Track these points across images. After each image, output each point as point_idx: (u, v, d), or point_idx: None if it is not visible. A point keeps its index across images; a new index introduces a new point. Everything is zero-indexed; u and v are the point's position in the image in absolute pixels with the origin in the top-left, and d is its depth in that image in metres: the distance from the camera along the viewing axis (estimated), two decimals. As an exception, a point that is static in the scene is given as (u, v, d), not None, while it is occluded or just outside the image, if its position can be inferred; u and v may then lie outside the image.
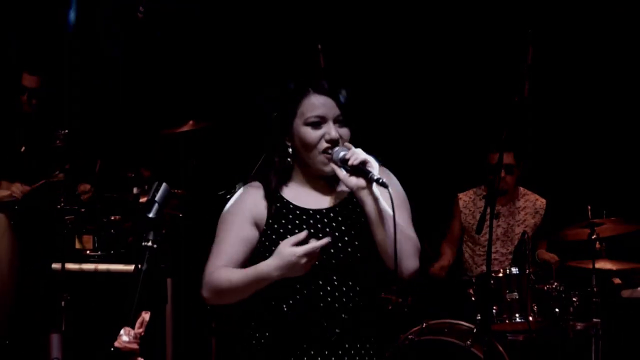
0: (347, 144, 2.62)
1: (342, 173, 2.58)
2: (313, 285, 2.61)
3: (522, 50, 4.18)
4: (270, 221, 2.67)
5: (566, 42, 5.73)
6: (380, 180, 2.51)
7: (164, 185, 2.56)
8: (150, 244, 2.49)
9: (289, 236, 2.61)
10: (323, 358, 2.62)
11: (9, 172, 5.08)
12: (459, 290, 5.13)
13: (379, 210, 2.56)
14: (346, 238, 2.64)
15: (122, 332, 2.36)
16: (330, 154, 2.61)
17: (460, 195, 5.59)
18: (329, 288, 2.62)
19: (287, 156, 2.69)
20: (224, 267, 2.64)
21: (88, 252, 4.93)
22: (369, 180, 2.54)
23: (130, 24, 5.56)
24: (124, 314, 2.38)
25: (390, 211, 2.53)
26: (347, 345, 2.63)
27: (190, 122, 5.21)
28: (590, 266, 4.73)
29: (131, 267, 4.66)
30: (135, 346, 2.36)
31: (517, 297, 4.64)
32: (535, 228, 5.41)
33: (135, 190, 4.77)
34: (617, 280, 5.00)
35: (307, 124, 2.63)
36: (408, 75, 5.95)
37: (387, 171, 2.72)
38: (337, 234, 2.64)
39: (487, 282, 4.56)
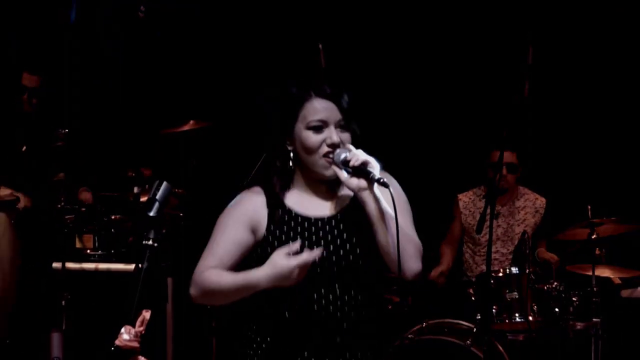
0: (348, 145, 2.62)
1: (343, 175, 2.58)
2: (315, 293, 2.61)
3: (522, 51, 4.19)
4: (272, 228, 2.67)
5: (566, 42, 5.73)
6: (382, 180, 2.51)
7: (164, 183, 2.56)
8: (151, 242, 2.49)
9: (291, 243, 2.61)
10: None
11: (9, 172, 5.07)
12: (459, 290, 5.13)
13: (381, 211, 2.56)
14: (348, 246, 2.64)
15: (122, 330, 2.36)
16: (331, 158, 2.61)
17: (460, 196, 5.60)
18: (331, 297, 2.62)
19: (288, 160, 2.69)
20: (215, 269, 2.64)
21: (88, 251, 4.93)
22: (370, 180, 2.54)
23: (130, 24, 5.56)
24: (125, 313, 2.39)
25: (392, 212, 2.54)
26: (348, 354, 2.63)
27: (191, 121, 5.21)
28: (590, 272, 4.74)
29: (131, 267, 4.66)
30: (135, 344, 2.37)
31: (517, 296, 4.64)
32: (535, 227, 5.42)
33: (135, 189, 4.77)
34: (616, 280, 5.00)
35: (308, 128, 2.63)
36: (408, 76, 5.95)
37: (388, 175, 2.71)
38: (338, 242, 2.64)
39: (487, 281, 4.57)
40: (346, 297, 2.63)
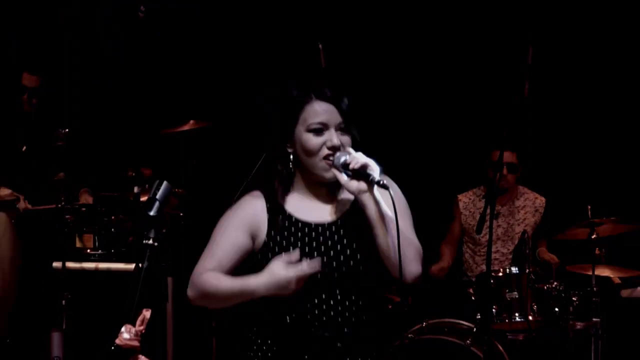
0: (348, 148, 2.62)
1: (343, 178, 2.58)
2: (316, 298, 2.62)
3: (522, 51, 4.19)
4: (272, 233, 2.68)
5: (566, 42, 5.74)
6: (381, 182, 2.52)
7: (165, 183, 2.56)
8: (151, 241, 2.49)
9: (291, 248, 2.62)
10: None
11: (9, 172, 5.07)
12: (459, 290, 5.13)
13: (381, 214, 2.57)
14: (348, 252, 2.65)
15: (123, 329, 2.37)
16: (331, 160, 2.61)
17: (460, 196, 5.60)
18: (331, 302, 2.62)
19: (289, 163, 2.69)
20: (213, 272, 2.64)
21: (89, 251, 4.92)
22: (370, 182, 2.54)
23: (130, 24, 5.56)
24: (125, 312, 2.39)
25: (392, 215, 2.54)
26: (348, 358, 2.63)
27: (191, 121, 5.21)
28: (590, 272, 4.74)
29: (132, 266, 4.67)
30: (136, 343, 2.37)
31: (517, 296, 4.64)
32: (535, 227, 5.42)
33: (135, 189, 4.76)
34: (616, 280, 5.00)
35: (309, 130, 2.64)
36: (408, 76, 5.95)
37: (388, 178, 2.71)
38: (339, 247, 2.65)
39: (487, 281, 4.57)
40: (347, 302, 2.63)
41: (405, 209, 2.70)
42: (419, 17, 5.95)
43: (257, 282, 2.53)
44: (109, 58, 5.93)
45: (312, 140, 2.63)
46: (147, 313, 2.39)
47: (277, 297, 2.55)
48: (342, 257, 2.64)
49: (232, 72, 5.90)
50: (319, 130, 2.63)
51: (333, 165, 2.61)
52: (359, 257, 2.64)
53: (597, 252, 4.83)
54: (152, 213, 2.51)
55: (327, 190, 2.72)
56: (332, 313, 2.61)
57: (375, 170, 2.56)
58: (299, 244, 2.65)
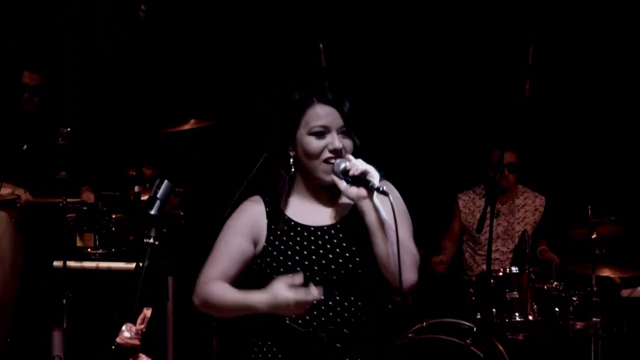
0: (348, 155, 2.62)
1: (342, 184, 2.58)
2: (315, 300, 2.61)
3: (522, 51, 4.19)
4: (271, 238, 2.68)
5: (566, 42, 5.74)
6: (381, 189, 2.52)
7: (165, 182, 2.56)
8: (151, 240, 2.49)
9: (289, 253, 2.64)
10: None
11: (11, 171, 5.07)
12: (459, 289, 5.14)
13: (380, 221, 2.56)
14: (347, 255, 2.65)
15: (123, 328, 2.36)
16: (332, 163, 2.62)
17: (460, 195, 5.62)
18: (330, 303, 2.62)
19: (290, 166, 2.70)
20: (218, 281, 2.65)
21: (89, 250, 4.93)
22: (370, 189, 2.54)
23: (130, 24, 5.56)
24: (126, 310, 2.39)
25: (390, 222, 2.54)
26: (347, 359, 2.63)
27: (192, 120, 5.21)
28: (590, 272, 4.75)
29: (132, 265, 4.67)
30: (136, 342, 2.37)
31: (517, 296, 4.65)
32: (535, 225, 5.43)
33: (136, 188, 4.76)
34: (616, 280, 5.01)
35: (311, 133, 2.64)
36: (409, 75, 5.96)
37: (389, 184, 2.71)
38: (338, 250, 2.65)
39: (487, 281, 4.58)
40: (346, 304, 2.63)
41: (404, 215, 2.70)
42: (419, 18, 5.95)
43: (259, 299, 2.53)
44: (109, 58, 5.93)
45: (314, 143, 2.64)
46: (147, 312, 2.39)
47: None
48: (340, 260, 2.64)
49: (233, 72, 5.90)
50: (320, 134, 2.64)
51: (333, 171, 2.61)
52: (358, 259, 2.64)
53: (597, 251, 4.84)
54: (152, 212, 2.51)
55: (327, 194, 2.72)
56: (331, 314, 2.61)
57: (375, 177, 2.55)
58: (298, 248, 2.65)
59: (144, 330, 2.38)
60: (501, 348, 4.53)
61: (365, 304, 2.66)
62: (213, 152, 5.62)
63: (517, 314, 4.64)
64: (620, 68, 5.75)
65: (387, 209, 2.54)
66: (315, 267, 2.62)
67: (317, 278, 2.60)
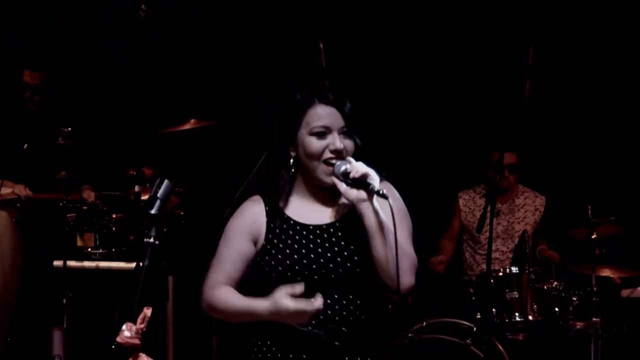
0: (348, 158, 2.62)
1: (342, 186, 2.58)
2: (312, 298, 2.62)
3: (522, 51, 4.19)
4: (270, 236, 2.69)
5: (567, 42, 5.74)
6: (381, 192, 2.52)
7: (166, 181, 2.56)
8: (152, 240, 2.49)
9: (288, 251, 2.65)
10: None
11: (11, 170, 5.07)
12: (459, 289, 5.14)
13: (379, 224, 2.56)
14: (345, 253, 2.65)
15: (124, 327, 2.37)
16: (332, 164, 2.62)
17: (460, 194, 5.62)
18: (329, 301, 2.62)
19: (290, 166, 2.71)
20: (223, 287, 2.68)
21: (89, 249, 4.93)
22: (370, 192, 2.54)
23: (130, 24, 5.56)
24: (126, 310, 2.39)
25: (389, 225, 2.54)
26: (347, 358, 2.64)
27: (192, 120, 5.22)
28: (590, 272, 4.75)
29: (132, 265, 4.67)
30: (137, 341, 2.37)
31: (517, 296, 4.66)
32: (535, 225, 5.44)
33: (136, 188, 4.76)
34: (616, 280, 5.01)
35: (312, 133, 2.65)
36: (409, 75, 5.96)
37: (390, 185, 2.72)
38: (336, 249, 2.65)
39: (487, 281, 4.58)
40: (344, 302, 2.64)
41: (404, 218, 2.70)
42: (420, 18, 5.95)
43: (262, 307, 2.57)
44: (109, 58, 5.93)
45: (315, 144, 2.64)
46: (148, 311, 2.39)
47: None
48: (339, 258, 2.64)
49: (233, 71, 5.90)
50: (321, 134, 2.64)
51: (333, 173, 2.61)
52: (356, 258, 2.64)
53: (597, 252, 4.84)
54: (153, 211, 2.51)
55: (327, 194, 2.72)
56: (329, 313, 2.61)
57: (375, 180, 2.56)
58: (297, 247, 2.66)
59: (144, 329, 2.39)
60: (501, 348, 4.53)
61: (364, 303, 2.66)
62: (213, 152, 5.62)
63: (517, 314, 4.64)
64: (620, 68, 5.75)
65: (386, 212, 2.54)
66: (314, 266, 2.63)
67: (316, 277, 2.62)
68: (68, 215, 4.86)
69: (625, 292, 4.94)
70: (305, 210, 2.72)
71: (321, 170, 2.65)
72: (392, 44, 5.94)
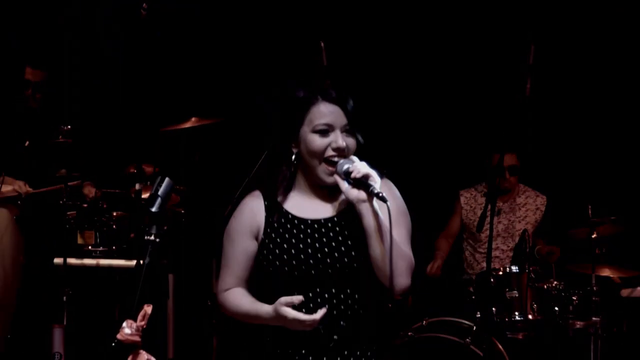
0: (352, 157, 2.64)
1: (344, 185, 2.60)
2: (312, 293, 2.64)
3: (523, 50, 4.19)
4: (269, 230, 2.71)
5: (568, 41, 5.74)
6: (381, 195, 2.52)
7: (166, 179, 2.57)
8: (152, 237, 2.50)
9: (286, 246, 2.67)
10: None
11: (12, 167, 5.08)
12: (459, 288, 5.14)
13: (377, 225, 2.58)
14: (343, 248, 2.66)
15: (124, 324, 2.37)
16: (334, 162, 2.63)
17: (462, 192, 5.63)
18: (326, 295, 2.64)
19: (292, 163, 2.72)
20: (234, 290, 2.75)
21: (90, 247, 4.94)
22: (370, 193, 2.55)
23: (130, 24, 5.57)
24: (126, 308, 2.40)
25: (388, 226, 2.54)
26: (346, 352, 2.65)
27: (193, 118, 5.22)
28: (590, 271, 4.75)
29: (133, 263, 4.69)
30: (137, 338, 2.38)
31: (516, 295, 4.66)
32: (536, 225, 5.44)
33: (137, 186, 4.76)
34: (616, 279, 5.01)
35: (314, 131, 2.66)
36: (410, 74, 5.96)
37: (391, 184, 2.74)
38: (334, 243, 2.66)
39: (487, 280, 4.58)
40: (342, 296, 2.65)
41: (403, 217, 2.72)
42: (421, 17, 5.95)
43: (266, 312, 2.64)
44: (109, 58, 5.93)
45: (317, 141, 2.65)
46: (148, 308, 2.40)
47: (275, 291, 2.64)
48: (337, 253, 2.65)
49: (234, 70, 5.91)
50: (324, 132, 2.65)
51: (335, 172, 2.63)
52: (354, 253, 2.65)
53: (597, 251, 4.84)
54: (154, 209, 2.52)
55: (327, 191, 2.74)
56: (327, 307, 2.62)
57: (376, 181, 2.56)
58: (294, 241, 2.68)
59: (144, 326, 2.39)
60: (501, 347, 4.54)
61: (362, 297, 2.67)
62: (214, 150, 5.62)
63: (516, 313, 4.65)
64: (621, 68, 5.75)
65: (385, 213, 2.55)
66: (312, 260, 2.64)
67: (313, 271, 2.63)
68: (68, 212, 4.86)
69: (625, 292, 4.94)
70: (304, 205, 2.73)
71: (322, 169, 2.66)
72: (394, 43, 5.94)
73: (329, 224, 2.70)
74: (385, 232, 2.56)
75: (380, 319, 2.74)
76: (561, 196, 5.58)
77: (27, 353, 5.00)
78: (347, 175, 2.59)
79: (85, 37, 5.92)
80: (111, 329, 2.42)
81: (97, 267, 4.81)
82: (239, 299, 2.73)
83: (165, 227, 2.50)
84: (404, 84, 5.96)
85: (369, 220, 2.58)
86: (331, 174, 2.64)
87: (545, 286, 4.71)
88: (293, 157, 2.71)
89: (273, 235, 2.70)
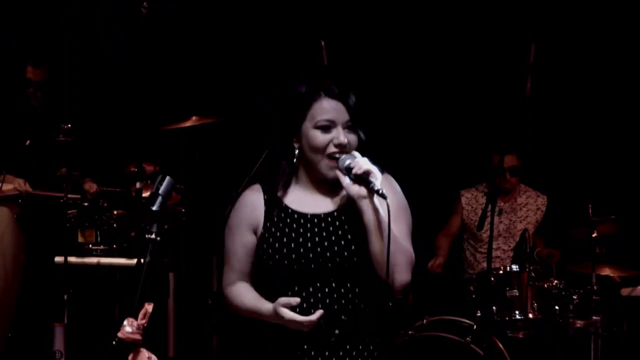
0: (354, 152, 2.64)
1: (345, 180, 2.60)
2: (312, 287, 2.65)
3: (523, 50, 4.19)
4: (268, 224, 2.71)
5: (568, 41, 5.74)
6: (381, 192, 2.53)
7: (167, 178, 2.57)
8: (153, 236, 2.50)
9: (285, 240, 2.67)
10: (324, 359, 2.65)
11: (13, 166, 5.08)
12: (460, 287, 5.15)
13: (377, 221, 2.58)
14: (343, 242, 2.67)
15: (125, 323, 2.38)
16: (336, 158, 2.63)
17: (463, 192, 5.63)
18: (327, 290, 2.65)
19: (293, 158, 2.71)
20: (237, 284, 2.76)
21: (90, 246, 4.94)
22: (370, 190, 2.56)
23: (130, 24, 5.57)
24: (127, 306, 2.40)
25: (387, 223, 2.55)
26: (347, 347, 2.66)
27: (193, 117, 5.22)
28: (590, 271, 4.76)
29: (133, 261, 4.69)
30: (138, 337, 2.38)
31: (517, 294, 4.66)
32: (536, 225, 5.44)
33: (138, 184, 4.77)
34: (616, 279, 5.01)
35: (316, 127, 2.66)
36: (410, 73, 5.96)
37: (391, 179, 2.74)
38: (333, 238, 2.67)
39: (487, 279, 4.58)
40: (342, 290, 2.66)
41: (403, 212, 2.72)
42: (421, 16, 5.96)
43: (267, 310, 2.65)
44: (109, 58, 5.94)
45: (319, 137, 2.65)
46: (149, 307, 2.40)
47: (274, 286, 2.67)
48: (336, 247, 2.66)
49: (235, 69, 5.91)
50: (326, 128, 2.65)
51: (337, 167, 2.63)
52: (354, 247, 2.66)
53: (597, 250, 4.84)
54: (154, 208, 2.52)
55: (328, 187, 2.74)
56: (327, 301, 2.63)
57: (377, 178, 2.57)
58: (294, 235, 2.68)
59: (145, 325, 2.39)
60: (501, 346, 4.54)
61: (362, 291, 2.68)
62: (215, 149, 5.62)
63: (517, 312, 4.65)
64: (621, 67, 5.76)
65: (385, 211, 2.55)
66: (311, 254, 2.65)
67: (313, 265, 2.64)
68: (69, 211, 4.86)
69: (625, 291, 4.95)
70: (304, 200, 2.74)
71: (324, 164, 2.66)
72: (394, 42, 5.94)
73: (329, 219, 2.70)
74: (385, 228, 2.56)
75: (381, 315, 2.74)
76: (561, 196, 5.59)
77: (28, 352, 5.00)
78: (348, 170, 2.59)
79: (85, 37, 5.92)
80: (112, 327, 2.42)
81: (98, 266, 4.81)
82: (243, 294, 2.75)
83: (166, 226, 2.50)
84: (404, 84, 5.96)
85: (369, 217, 2.58)
86: (333, 168, 2.64)
87: (546, 285, 4.72)
88: (296, 152, 2.70)
89: (272, 229, 2.70)
